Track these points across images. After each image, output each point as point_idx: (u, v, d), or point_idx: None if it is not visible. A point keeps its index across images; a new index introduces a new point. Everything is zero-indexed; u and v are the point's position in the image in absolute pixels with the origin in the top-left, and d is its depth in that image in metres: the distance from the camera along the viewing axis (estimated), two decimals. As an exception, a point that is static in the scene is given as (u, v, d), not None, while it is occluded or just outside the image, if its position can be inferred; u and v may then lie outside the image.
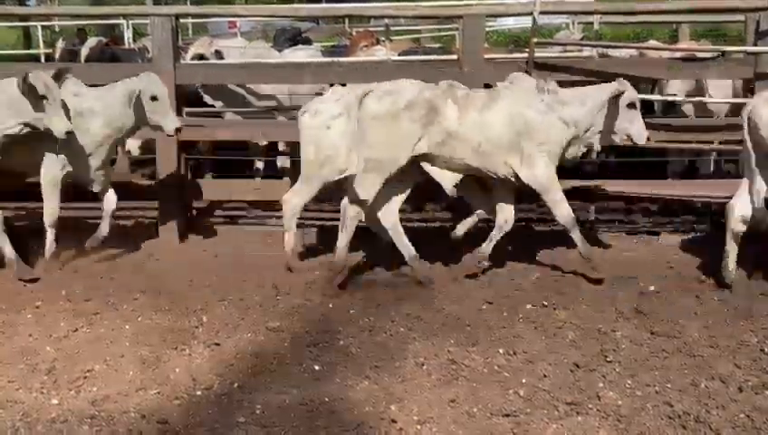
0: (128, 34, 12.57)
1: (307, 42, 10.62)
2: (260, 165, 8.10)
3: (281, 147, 7.83)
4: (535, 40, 6.08)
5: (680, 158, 7.68)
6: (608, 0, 7.43)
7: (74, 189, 5.83)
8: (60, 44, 11.32)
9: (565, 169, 5.52)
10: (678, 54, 6.74)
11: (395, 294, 5.07)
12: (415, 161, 5.22)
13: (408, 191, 5.48)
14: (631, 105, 5.23)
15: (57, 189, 5.49)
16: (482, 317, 4.70)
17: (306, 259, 5.88)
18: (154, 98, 5.34)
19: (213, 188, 6.95)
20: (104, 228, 5.70)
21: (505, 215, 5.38)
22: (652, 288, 5.15)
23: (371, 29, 12.30)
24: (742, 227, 5.03)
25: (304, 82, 6.94)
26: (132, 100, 5.35)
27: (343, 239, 5.26)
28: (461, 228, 5.61)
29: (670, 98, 7.00)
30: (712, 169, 7.75)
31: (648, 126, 5.40)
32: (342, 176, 5.38)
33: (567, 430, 3.47)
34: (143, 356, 4.19)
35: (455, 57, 6.66)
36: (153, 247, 6.19)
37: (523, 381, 3.90)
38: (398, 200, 5.46)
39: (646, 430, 3.45)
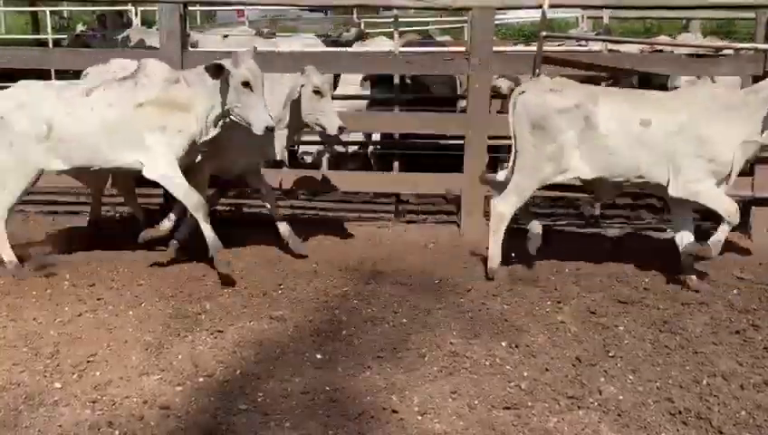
0: (136, 21, 12.58)
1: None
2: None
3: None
4: (544, 34, 6.05)
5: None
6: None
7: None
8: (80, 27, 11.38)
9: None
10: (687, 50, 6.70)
11: (398, 286, 5.08)
12: None
13: None
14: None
15: None
16: (484, 310, 4.71)
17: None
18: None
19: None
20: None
21: None
22: (655, 284, 5.15)
23: (380, 20, 12.26)
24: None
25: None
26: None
27: None
28: None
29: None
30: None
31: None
32: None
33: (568, 423, 3.47)
34: (146, 342, 4.21)
35: (463, 49, 6.64)
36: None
37: (525, 374, 3.91)
38: None
39: (647, 426, 3.45)
